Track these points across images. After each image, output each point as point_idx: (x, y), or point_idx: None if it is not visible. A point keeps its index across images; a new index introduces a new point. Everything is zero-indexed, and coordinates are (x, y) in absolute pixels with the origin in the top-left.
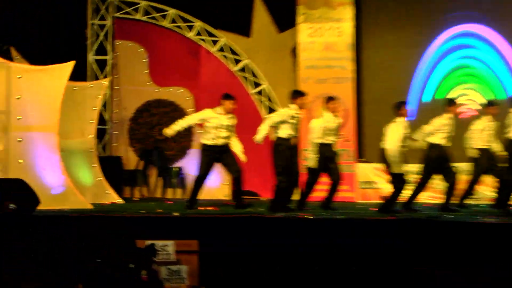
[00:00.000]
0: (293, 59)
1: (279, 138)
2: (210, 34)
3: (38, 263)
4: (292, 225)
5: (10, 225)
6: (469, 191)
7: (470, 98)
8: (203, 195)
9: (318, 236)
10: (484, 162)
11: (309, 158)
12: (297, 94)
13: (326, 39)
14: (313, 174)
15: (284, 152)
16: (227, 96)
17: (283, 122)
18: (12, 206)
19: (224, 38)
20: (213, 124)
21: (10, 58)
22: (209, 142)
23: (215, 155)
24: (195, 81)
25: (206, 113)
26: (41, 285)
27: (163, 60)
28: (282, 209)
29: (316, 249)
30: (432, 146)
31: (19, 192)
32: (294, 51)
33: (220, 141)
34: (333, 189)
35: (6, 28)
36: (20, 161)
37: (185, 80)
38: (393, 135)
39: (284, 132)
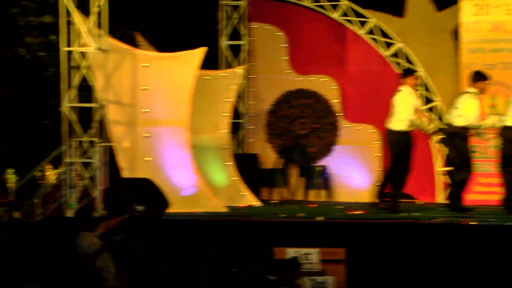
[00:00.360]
0: (454, 42)
1: (455, 127)
2: (358, 15)
3: (165, 269)
4: (456, 233)
5: (137, 228)
6: None
7: None
8: (349, 197)
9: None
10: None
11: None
12: (479, 77)
13: (493, 18)
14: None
15: (461, 142)
16: (408, 72)
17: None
18: (139, 208)
19: (374, 18)
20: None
21: (135, 45)
22: (402, 127)
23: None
24: (341, 68)
25: (409, 93)
26: None
27: (305, 45)
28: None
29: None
30: None
31: (147, 193)
32: (455, 33)
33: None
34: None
35: (131, 12)
36: (147, 159)
37: (329, 68)
38: None
39: (463, 120)
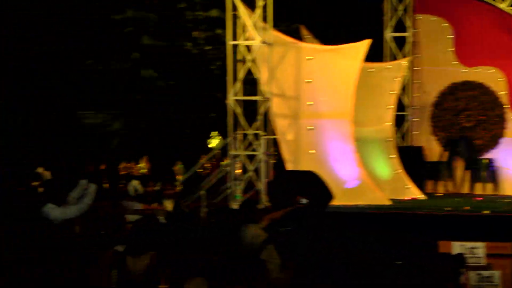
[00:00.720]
0: None
1: None
2: None
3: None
4: None
5: (301, 221)
6: None
7: None
8: None
9: None
10: None
11: None
12: None
13: None
14: None
15: None
16: None
17: None
18: (303, 200)
19: None
20: None
21: (300, 38)
22: None
23: None
24: (508, 60)
25: None
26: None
27: (471, 36)
28: None
29: None
30: None
31: (311, 185)
32: None
33: None
34: None
35: (295, 5)
36: (311, 151)
37: (496, 59)
38: None
39: None
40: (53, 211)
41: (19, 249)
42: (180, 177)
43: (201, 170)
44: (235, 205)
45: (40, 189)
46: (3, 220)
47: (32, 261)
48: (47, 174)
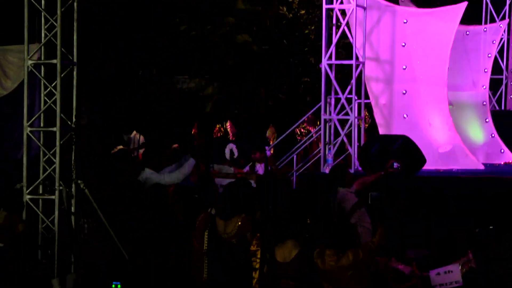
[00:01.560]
0: None
1: None
2: None
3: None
4: None
5: (393, 186)
6: None
7: None
8: None
9: None
10: None
11: None
12: None
13: None
14: None
15: None
16: None
17: None
18: (396, 165)
19: None
20: None
21: (396, 1)
22: None
23: None
24: None
25: None
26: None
27: None
28: None
29: None
30: None
31: (403, 150)
32: None
33: None
34: None
35: None
36: (404, 115)
37: None
38: None
39: None
40: (151, 176)
41: (120, 211)
42: (272, 142)
43: (294, 134)
44: (326, 169)
45: (135, 154)
46: (104, 183)
47: (132, 222)
48: (141, 139)
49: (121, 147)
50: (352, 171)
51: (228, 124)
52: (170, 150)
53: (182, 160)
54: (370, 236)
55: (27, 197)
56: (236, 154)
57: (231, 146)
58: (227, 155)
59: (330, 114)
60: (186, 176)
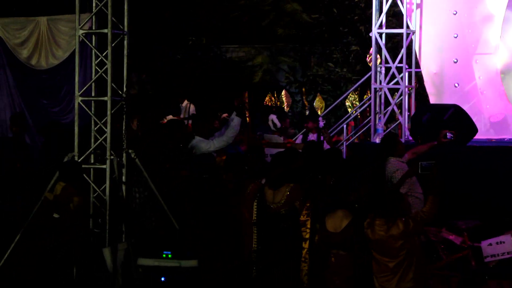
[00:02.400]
0: None
1: None
2: None
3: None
4: None
5: (444, 155)
6: None
7: None
8: None
9: None
10: None
11: None
12: None
13: None
14: None
15: None
16: None
17: None
18: (449, 135)
19: None
20: None
21: None
22: None
23: None
24: None
25: None
26: None
27: None
28: None
29: None
30: None
31: (455, 119)
32: None
33: None
34: None
35: None
36: (455, 84)
37: None
38: None
39: None
40: (199, 144)
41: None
42: (320, 111)
43: (344, 104)
44: (377, 139)
45: (186, 123)
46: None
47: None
48: (192, 109)
49: (171, 117)
50: (402, 140)
51: (283, 93)
52: (220, 120)
53: (229, 121)
54: (421, 206)
55: None
56: (278, 124)
57: (272, 116)
58: (271, 125)
59: (380, 83)
60: (235, 135)
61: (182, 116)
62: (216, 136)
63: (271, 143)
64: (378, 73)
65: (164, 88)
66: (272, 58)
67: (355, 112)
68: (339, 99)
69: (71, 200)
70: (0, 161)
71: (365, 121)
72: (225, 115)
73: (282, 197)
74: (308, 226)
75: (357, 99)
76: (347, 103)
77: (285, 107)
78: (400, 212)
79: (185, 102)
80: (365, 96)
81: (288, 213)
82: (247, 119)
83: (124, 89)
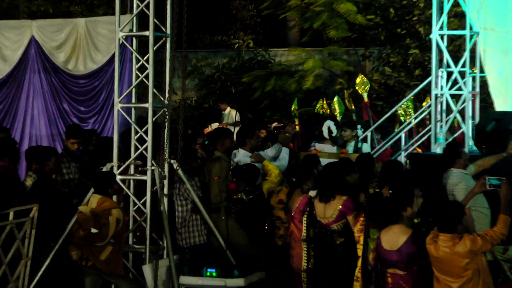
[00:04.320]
0: None
1: None
2: None
3: None
4: None
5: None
6: None
7: None
8: None
9: None
10: None
11: None
12: None
13: None
14: None
15: None
16: None
17: None
18: None
19: None
20: None
21: None
22: None
23: None
24: None
25: None
26: None
27: None
28: None
29: None
30: None
31: None
32: None
33: None
34: None
35: None
36: None
37: None
38: None
39: None
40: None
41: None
42: (339, 116)
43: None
44: (438, 149)
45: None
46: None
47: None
48: (237, 116)
49: (217, 124)
50: (466, 151)
51: (335, 100)
52: (269, 130)
53: (278, 150)
54: (487, 222)
55: (117, 177)
56: (334, 132)
57: (329, 123)
58: (325, 133)
59: (441, 89)
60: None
61: (225, 123)
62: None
63: (324, 153)
64: (439, 78)
65: (208, 94)
66: (324, 62)
67: (414, 121)
68: (395, 108)
69: (109, 213)
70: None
71: (424, 130)
72: (275, 124)
73: (334, 211)
74: (361, 242)
75: (411, 107)
76: (399, 111)
77: (337, 115)
78: (463, 228)
79: (228, 108)
80: (424, 103)
81: (340, 228)
82: (297, 127)
83: (167, 95)
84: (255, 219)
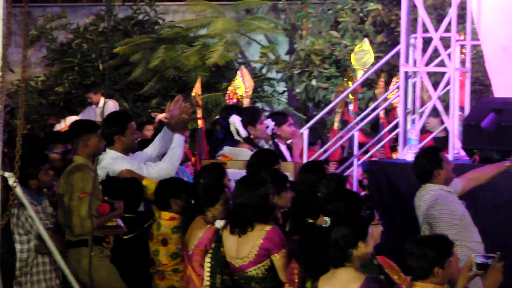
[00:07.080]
0: None
1: None
2: None
3: None
4: None
5: None
6: None
7: None
8: None
9: None
10: None
11: None
12: None
13: None
14: None
15: None
16: None
17: None
18: None
19: None
20: None
21: None
22: None
23: None
24: None
25: None
26: None
27: None
28: None
29: None
30: None
31: None
32: None
33: None
34: None
35: None
36: None
37: None
38: None
39: None
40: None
41: None
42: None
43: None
44: (408, 155)
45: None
46: None
47: None
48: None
49: (74, 118)
50: (450, 158)
51: (240, 73)
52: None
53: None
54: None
55: None
56: (242, 132)
57: (235, 118)
58: (234, 134)
59: (414, 64)
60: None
61: (98, 119)
62: (151, 157)
63: (237, 162)
64: (411, 48)
65: (63, 72)
66: (239, 23)
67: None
68: (347, 91)
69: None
70: None
71: (388, 126)
72: (161, 116)
73: (252, 248)
74: None
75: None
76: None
77: (244, 97)
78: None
79: (102, 100)
80: (392, 84)
81: (262, 274)
82: (200, 122)
83: None
84: (137, 260)
